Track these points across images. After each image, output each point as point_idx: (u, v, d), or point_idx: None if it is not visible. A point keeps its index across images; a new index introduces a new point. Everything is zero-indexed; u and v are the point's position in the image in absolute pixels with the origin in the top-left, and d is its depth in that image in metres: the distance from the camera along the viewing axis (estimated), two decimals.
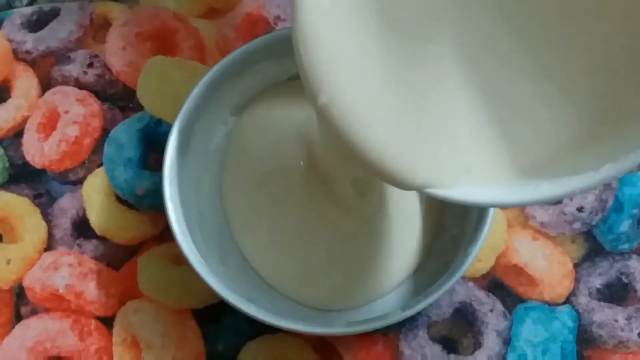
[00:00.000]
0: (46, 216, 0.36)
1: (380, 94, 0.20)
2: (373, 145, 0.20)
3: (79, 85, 0.38)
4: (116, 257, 0.35)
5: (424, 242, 0.33)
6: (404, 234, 0.33)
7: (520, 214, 0.35)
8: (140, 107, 0.38)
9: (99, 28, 0.39)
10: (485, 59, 0.19)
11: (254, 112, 0.35)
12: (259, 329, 0.33)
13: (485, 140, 0.20)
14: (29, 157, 0.37)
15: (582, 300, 0.34)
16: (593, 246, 0.35)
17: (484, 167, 0.20)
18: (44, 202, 0.36)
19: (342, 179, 0.32)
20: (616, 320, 0.34)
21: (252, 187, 0.34)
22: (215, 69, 0.33)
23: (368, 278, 0.32)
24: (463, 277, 0.34)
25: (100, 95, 0.38)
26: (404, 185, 0.21)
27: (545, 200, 0.18)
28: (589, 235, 0.35)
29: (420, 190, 0.21)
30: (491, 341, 0.33)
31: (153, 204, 0.36)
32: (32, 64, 0.39)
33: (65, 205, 0.36)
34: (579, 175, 0.17)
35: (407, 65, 0.20)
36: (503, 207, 0.20)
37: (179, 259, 0.34)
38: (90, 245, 0.35)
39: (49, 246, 0.35)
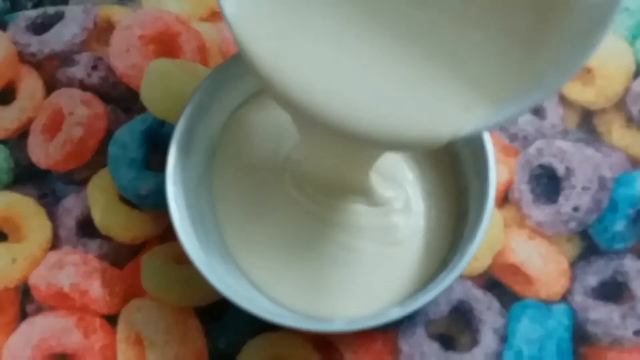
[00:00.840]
0: (51, 216, 0.36)
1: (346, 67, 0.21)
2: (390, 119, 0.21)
3: (83, 87, 0.38)
4: (120, 256, 0.35)
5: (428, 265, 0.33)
6: (405, 255, 0.33)
7: (516, 214, 0.36)
8: (143, 109, 0.38)
9: (102, 31, 0.40)
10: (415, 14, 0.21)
11: (241, 113, 0.35)
12: (261, 327, 0.33)
13: (457, 83, 0.21)
14: (34, 158, 0.37)
15: (578, 298, 0.34)
16: (588, 245, 0.35)
17: (476, 101, 0.21)
18: (49, 202, 0.36)
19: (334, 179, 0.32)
20: (611, 318, 0.34)
21: (240, 189, 0.34)
22: (218, 71, 0.33)
23: (363, 289, 0.32)
24: (461, 276, 0.34)
25: (104, 97, 0.38)
26: (429, 143, 0.21)
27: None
28: (584, 234, 0.35)
29: (444, 142, 0.21)
30: (488, 339, 0.34)
31: (156, 203, 0.36)
32: (37, 66, 0.39)
33: (70, 205, 0.36)
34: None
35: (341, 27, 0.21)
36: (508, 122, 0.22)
37: (182, 258, 0.34)
38: (94, 245, 0.35)
39: (54, 245, 0.36)
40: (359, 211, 0.33)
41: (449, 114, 0.21)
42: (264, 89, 0.34)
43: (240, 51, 0.23)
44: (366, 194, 0.33)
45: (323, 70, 0.21)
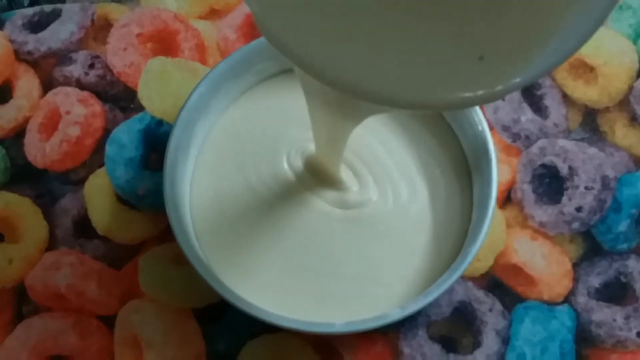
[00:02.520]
0: (48, 216, 0.36)
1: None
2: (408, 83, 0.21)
3: (80, 85, 0.38)
4: (117, 257, 0.35)
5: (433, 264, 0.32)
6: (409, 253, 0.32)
7: (519, 214, 0.36)
8: (141, 108, 0.38)
9: (100, 29, 0.39)
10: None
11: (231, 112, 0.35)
12: (260, 328, 0.33)
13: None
14: (30, 158, 0.37)
15: (581, 299, 0.34)
16: (592, 246, 0.35)
17: (493, 55, 0.21)
18: (46, 202, 0.36)
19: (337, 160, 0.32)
20: (615, 320, 0.34)
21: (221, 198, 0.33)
22: (216, 69, 0.33)
23: (364, 292, 0.32)
24: (462, 277, 0.34)
25: (101, 95, 0.38)
26: (460, 104, 0.21)
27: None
28: (587, 235, 0.35)
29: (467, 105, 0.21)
30: (490, 340, 0.33)
31: (154, 204, 0.36)
32: (34, 64, 0.39)
33: (67, 205, 0.36)
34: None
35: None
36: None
37: (180, 259, 0.34)
38: (91, 245, 0.35)
39: (51, 246, 0.35)
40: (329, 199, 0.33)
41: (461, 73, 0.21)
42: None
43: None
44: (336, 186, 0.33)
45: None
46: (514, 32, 0.20)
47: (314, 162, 0.33)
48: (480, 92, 0.21)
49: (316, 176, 0.33)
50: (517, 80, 0.21)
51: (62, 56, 0.39)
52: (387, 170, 0.34)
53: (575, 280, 0.34)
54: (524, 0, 0.20)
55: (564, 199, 0.36)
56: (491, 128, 0.33)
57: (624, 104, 0.38)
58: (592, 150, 0.37)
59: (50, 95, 0.38)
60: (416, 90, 0.21)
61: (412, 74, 0.21)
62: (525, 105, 0.37)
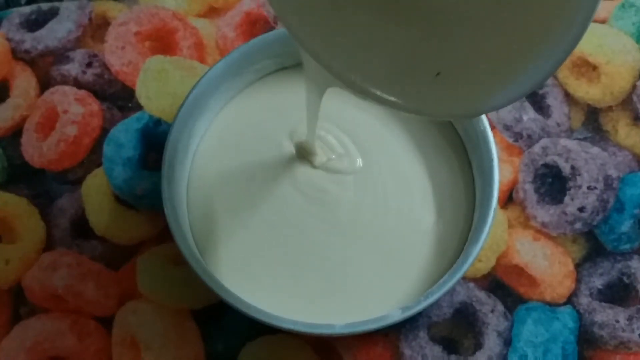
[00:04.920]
0: (45, 216, 0.36)
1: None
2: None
3: (78, 84, 0.38)
4: (115, 257, 0.35)
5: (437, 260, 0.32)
6: (412, 249, 0.32)
7: (521, 214, 0.35)
8: (139, 107, 0.37)
9: (97, 27, 0.39)
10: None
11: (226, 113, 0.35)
12: (259, 329, 0.33)
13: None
14: (27, 157, 0.37)
15: (583, 300, 0.34)
16: (594, 246, 0.35)
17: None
18: (43, 202, 0.36)
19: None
20: (617, 321, 0.34)
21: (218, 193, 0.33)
22: (215, 68, 0.33)
23: (365, 293, 0.32)
24: (464, 278, 0.34)
25: (99, 94, 0.38)
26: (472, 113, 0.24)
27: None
28: (590, 235, 0.35)
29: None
30: (492, 342, 0.33)
31: (152, 204, 0.35)
32: (31, 63, 0.39)
33: (64, 205, 0.36)
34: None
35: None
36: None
37: (178, 259, 0.34)
38: (89, 246, 0.35)
39: (48, 246, 0.35)
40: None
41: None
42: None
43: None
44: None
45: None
46: (475, 59, 0.22)
47: (302, 145, 0.34)
48: (432, 106, 0.23)
49: (304, 156, 0.34)
50: (472, 106, 0.23)
51: (59, 55, 0.39)
52: (387, 168, 0.34)
53: (578, 281, 0.34)
54: (487, 35, 0.21)
55: (567, 199, 0.35)
56: (493, 127, 0.33)
57: (627, 103, 0.37)
58: (595, 150, 0.36)
59: (47, 94, 0.38)
60: (376, 84, 0.23)
61: (378, 69, 0.23)
62: (527, 104, 0.37)
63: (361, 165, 0.34)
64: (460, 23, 0.21)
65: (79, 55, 0.39)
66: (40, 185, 0.36)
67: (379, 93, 0.24)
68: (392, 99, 0.24)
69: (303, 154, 0.34)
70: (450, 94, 0.23)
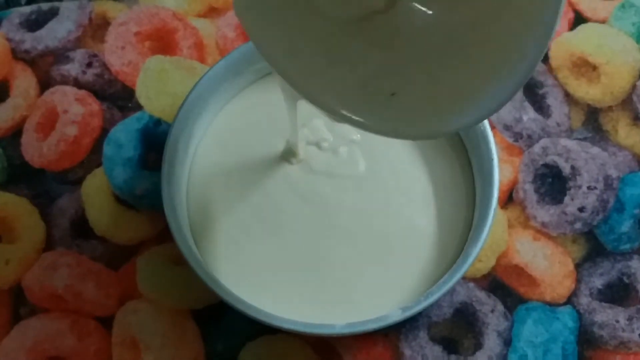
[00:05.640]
0: (45, 216, 0.36)
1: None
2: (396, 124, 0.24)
3: (78, 84, 0.38)
4: (115, 257, 0.35)
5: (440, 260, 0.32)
6: (413, 249, 0.32)
7: (521, 214, 0.35)
8: (139, 107, 0.37)
9: (98, 27, 0.39)
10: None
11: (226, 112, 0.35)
12: (259, 329, 0.33)
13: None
14: (27, 157, 0.37)
15: (584, 300, 0.34)
16: (594, 246, 0.35)
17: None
18: (43, 202, 0.36)
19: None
20: (617, 321, 0.34)
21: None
22: (215, 68, 0.33)
23: (366, 293, 0.32)
24: (464, 278, 0.33)
25: (99, 94, 0.38)
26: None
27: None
28: (590, 235, 0.35)
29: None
30: (492, 342, 0.33)
31: (152, 204, 0.35)
32: (31, 63, 0.39)
33: (64, 205, 0.36)
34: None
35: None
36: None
37: (178, 259, 0.34)
38: (89, 246, 0.35)
39: (48, 246, 0.35)
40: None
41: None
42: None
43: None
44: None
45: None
46: (430, 82, 0.23)
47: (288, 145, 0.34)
48: (386, 125, 0.24)
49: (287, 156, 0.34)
50: (425, 128, 0.24)
51: (59, 55, 0.39)
52: (387, 168, 0.34)
53: (578, 281, 0.34)
54: (445, 60, 0.23)
55: (567, 199, 0.35)
56: (493, 127, 0.33)
57: (627, 103, 0.37)
58: (595, 150, 0.36)
59: (47, 94, 0.38)
60: (332, 99, 0.24)
61: (333, 81, 0.24)
62: (527, 104, 0.37)
63: (364, 169, 0.33)
64: (417, 51, 0.23)
65: (79, 55, 0.39)
66: (40, 185, 0.36)
67: (340, 110, 0.24)
68: (350, 116, 0.24)
69: (287, 153, 0.34)
70: (407, 114, 0.24)
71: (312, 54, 0.24)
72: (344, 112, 0.24)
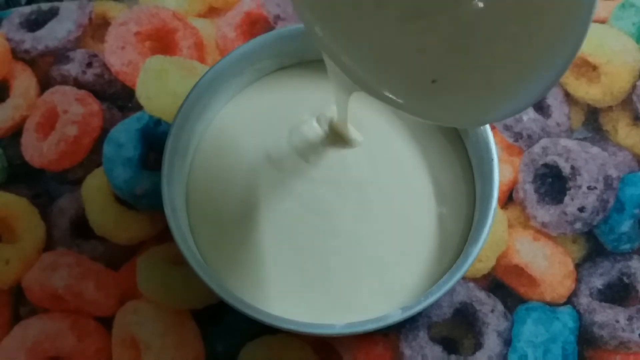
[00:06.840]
0: (45, 216, 0.36)
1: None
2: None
3: (78, 84, 0.38)
4: (115, 257, 0.35)
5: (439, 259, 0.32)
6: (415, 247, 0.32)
7: (521, 214, 0.35)
8: (139, 107, 0.37)
9: (98, 27, 0.39)
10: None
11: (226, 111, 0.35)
12: (259, 329, 0.33)
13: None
14: (27, 157, 0.37)
15: (583, 300, 0.34)
16: (594, 246, 0.35)
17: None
18: (43, 202, 0.36)
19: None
20: (617, 321, 0.34)
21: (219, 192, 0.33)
22: (215, 68, 0.33)
23: (367, 293, 0.32)
24: (464, 278, 0.34)
25: (99, 94, 0.38)
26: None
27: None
28: (590, 235, 0.35)
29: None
30: (492, 342, 0.33)
31: (152, 204, 0.35)
32: (31, 63, 0.39)
33: (64, 205, 0.36)
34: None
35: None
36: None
37: (179, 259, 0.34)
38: (89, 246, 0.35)
39: (48, 246, 0.35)
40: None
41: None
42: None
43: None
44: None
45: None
46: (471, 71, 0.24)
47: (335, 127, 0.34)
48: (425, 109, 0.25)
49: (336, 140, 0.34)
50: (465, 116, 0.25)
51: (59, 55, 0.39)
52: (388, 167, 0.34)
53: (578, 281, 0.34)
54: (490, 50, 0.23)
55: (567, 199, 0.35)
56: (493, 127, 0.33)
57: (627, 103, 0.37)
58: (595, 150, 0.36)
59: (47, 94, 0.38)
60: (381, 83, 0.25)
61: (382, 67, 0.25)
62: None
63: (364, 170, 0.33)
64: (462, 42, 0.23)
65: (79, 55, 0.39)
66: (40, 185, 0.36)
67: (386, 93, 0.25)
68: (395, 99, 0.25)
69: (336, 137, 0.34)
70: (449, 101, 0.25)
71: (370, 42, 0.25)
72: (387, 94, 0.25)
